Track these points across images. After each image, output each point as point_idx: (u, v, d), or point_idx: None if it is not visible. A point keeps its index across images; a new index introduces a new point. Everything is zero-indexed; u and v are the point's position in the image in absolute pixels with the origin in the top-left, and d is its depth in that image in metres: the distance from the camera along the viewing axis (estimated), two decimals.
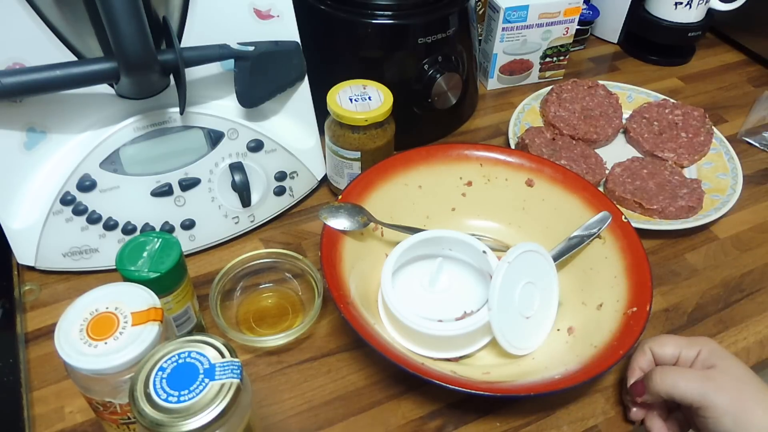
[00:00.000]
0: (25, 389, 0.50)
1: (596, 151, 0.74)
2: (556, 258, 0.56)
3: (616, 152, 0.75)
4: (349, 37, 0.68)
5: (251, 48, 0.55)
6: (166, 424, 0.32)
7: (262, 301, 0.58)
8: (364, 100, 0.61)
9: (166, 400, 0.33)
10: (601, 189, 0.69)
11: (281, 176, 0.63)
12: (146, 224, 0.58)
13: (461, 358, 0.53)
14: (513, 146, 0.73)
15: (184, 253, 0.49)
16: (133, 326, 0.39)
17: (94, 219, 0.56)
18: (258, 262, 0.58)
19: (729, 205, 0.66)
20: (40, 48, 0.49)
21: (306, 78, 0.62)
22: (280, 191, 0.64)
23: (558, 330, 0.55)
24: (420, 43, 0.67)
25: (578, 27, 0.86)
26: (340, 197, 0.57)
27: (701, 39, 0.93)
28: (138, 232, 0.58)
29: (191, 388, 0.33)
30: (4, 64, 0.49)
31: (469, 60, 0.74)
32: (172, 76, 0.54)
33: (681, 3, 0.87)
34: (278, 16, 0.58)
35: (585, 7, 0.91)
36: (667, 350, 0.49)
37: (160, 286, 0.45)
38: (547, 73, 0.88)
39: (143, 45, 0.47)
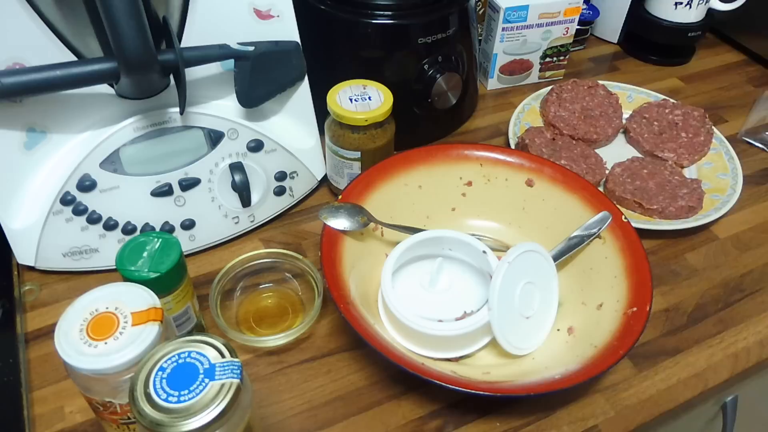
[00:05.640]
0: (25, 389, 0.50)
1: (596, 151, 0.74)
2: (556, 258, 0.56)
3: (616, 152, 0.75)
4: (349, 37, 0.68)
5: (251, 48, 0.55)
6: (166, 424, 0.32)
7: (262, 301, 0.58)
8: (364, 100, 0.61)
9: (166, 400, 0.33)
10: (601, 189, 0.69)
11: (281, 176, 0.63)
12: (146, 224, 0.58)
13: (461, 358, 0.53)
14: (513, 146, 0.73)
15: (184, 253, 0.49)
16: (133, 326, 0.39)
17: (94, 219, 0.56)
18: (258, 262, 0.58)
19: (729, 205, 0.66)
20: (40, 48, 0.49)
21: (306, 78, 0.62)
22: (280, 191, 0.64)
23: (558, 330, 0.55)
24: (420, 43, 0.67)
25: (578, 27, 0.86)
26: (340, 197, 0.57)
27: (701, 39, 0.93)
28: (138, 232, 0.58)
29: (191, 388, 0.33)
30: (4, 64, 0.49)
31: (469, 60, 0.74)
32: (172, 76, 0.54)
33: (681, 3, 0.87)
34: (278, 16, 0.58)
35: (585, 7, 0.91)
36: None
37: (160, 286, 0.45)
38: (547, 73, 0.88)
39: (143, 45, 0.47)
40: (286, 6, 0.58)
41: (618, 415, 0.51)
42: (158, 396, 0.33)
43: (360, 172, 0.63)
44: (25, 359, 0.53)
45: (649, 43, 0.92)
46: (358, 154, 0.62)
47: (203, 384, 0.34)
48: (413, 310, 0.51)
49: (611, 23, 0.96)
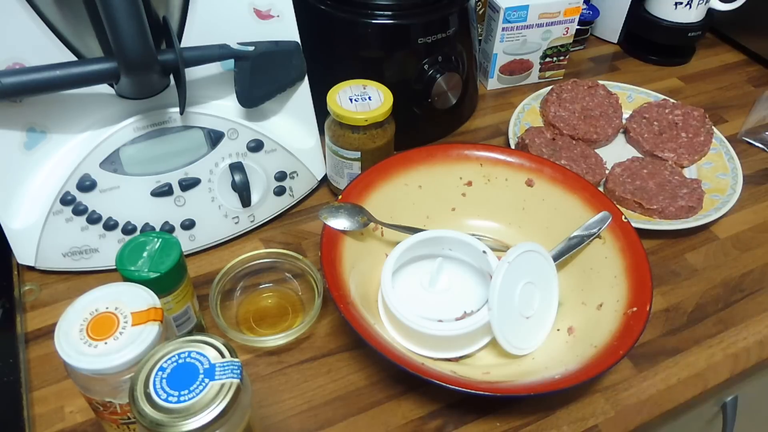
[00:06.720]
0: (25, 389, 0.50)
1: (596, 151, 0.74)
2: (556, 258, 0.56)
3: (616, 152, 0.75)
4: (349, 37, 0.68)
5: (251, 48, 0.55)
6: (166, 424, 0.32)
7: (262, 301, 0.58)
8: (364, 100, 0.61)
9: (166, 400, 0.33)
10: (601, 189, 0.69)
11: (281, 176, 0.63)
12: (146, 224, 0.58)
13: (461, 358, 0.53)
14: (513, 146, 0.73)
15: (184, 253, 0.49)
16: (133, 326, 0.39)
17: (94, 219, 0.56)
18: (258, 262, 0.58)
19: (729, 205, 0.66)
20: (40, 48, 0.49)
21: (306, 78, 0.62)
22: (280, 191, 0.64)
23: (558, 330, 0.55)
24: (420, 43, 0.67)
25: (578, 27, 0.86)
26: (340, 197, 0.57)
27: (701, 39, 0.93)
28: (138, 232, 0.58)
29: (191, 388, 0.33)
30: (4, 64, 0.49)
31: (469, 60, 0.74)
32: (172, 76, 0.54)
33: (681, 3, 0.87)
34: (278, 16, 0.58)
35: (585, 7, 0.91)
36: None
37: (160, 286, 0.45)
38: (547, 73, 0.88)
39: (143, 45, 0.47)
40: (286, 6, 0.58)
41: (618, 415, 0.51)
42: (158, 396, 0.33)
43: (360, 172, 0.63)
44: (25, 359, 0.53)
45: (649, 43, 0.92)
46: (358, 154, 0.62)
47: (203, 384, 0.34)
48: (413, 310, 0.51)
49: (611, 23, 0.96)
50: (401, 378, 0.52)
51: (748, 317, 0.59)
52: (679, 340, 0.57)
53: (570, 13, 0.82)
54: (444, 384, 0.45)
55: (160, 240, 0.47)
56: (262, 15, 0.57)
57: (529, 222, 0.62)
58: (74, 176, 0.54)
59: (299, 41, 0.60)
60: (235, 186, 0.60)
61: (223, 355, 0.35)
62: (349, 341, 0.55)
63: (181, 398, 0.33)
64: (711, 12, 0.90)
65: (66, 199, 0.55)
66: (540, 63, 0.86)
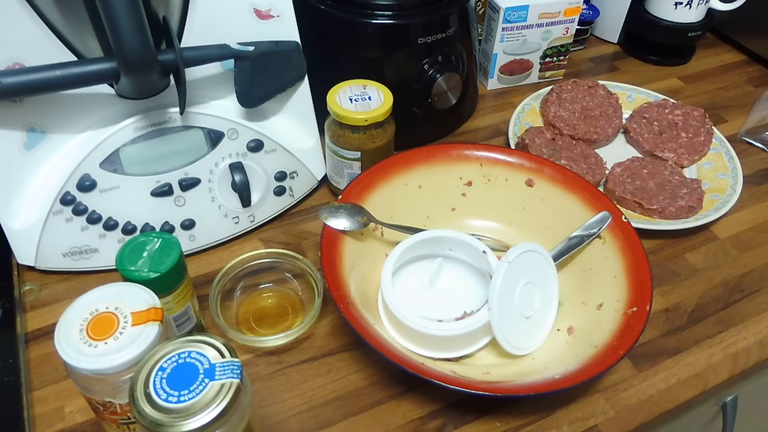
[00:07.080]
0: (25, 389, 0.50)
1: (596, 151, 0.74)
2: (556, 258, 0.56)
3: (616, 152, 0.75)
4: (349, 37, 0.68)
5: (251, 48, 0.55)
6: (166, 424, 0.32)
7: (262, 301, 0.58)
8: (364, 100, 0.61)
9: (166, 400, 0.33)
10: (601, 189, 0.69)
11: (281, 176, 0.63)
12: (146, 224, 0.58)
13: (461, 358, 0.53)
14: (513, 146, 0.73)
15: (184, 253, 0.49)
16: (133, 326, 0.39)
17: (94, 219, 0.56)
18: (258, 262, 0.58)
19: (729, 205, 0.66)
20: (40, 48, 0.49)
21: (306, 78, 0.62)
22: (280, 191, 0.64)
23: (558, 330, 0.55)
24: (420, 43, 0.67)
25: (578, 27, 0.86)
26: (340, 197, 0.57)
27: (701, 39, 0.93)
28: (138, 232, 0.58)
29: (191, 388, 0.33)
30: (4, 64, 0.49)
31: (469, 60, 0.74)
32: (172, 76, 0.54)
33: (681, 3, 0.87)
34: (278, 16, 0.58)
35: (585, 7, 0.91)
36: None
37: (160, 286, 0.45)
38: (547, 73, 0.88)
39: (143, 45, 0.47)
40: (286, 6, 0.58)
41: (618, 415, 0.51)
42: (158, 396, 0.33)
43: (360, 172, 0.63)
44: (25, 359, 0.53)
45: (649, 43, 0.92)
46: (358, 154, 0.62)
47: (203, 384, 0.34)
48: (413, 310, 0.51)
49: (611, 23, 0.96)
50: (401, 378, 0.52)
51: (748, 317, 0.59)
52: (679, 340, 0.57)
53: (570, 13, 0.82)
54: (444, 384, 0.45)
55: (160, 240, 0.47)
56: (262, 15, 0.57)
57: (529, 222, 0.62)
58: (74, 176, 0.54)
59: (299, 41, 0.60)
60: (235, 186, 0.60)
61: (223, 355, 0.35)
62: (349, 341, 0.55)
63: (181, 398, 0.33)
64: (711, 12, 0.90)
65: (66, 199, 0.55)
66: (540, 63, 0.86)
